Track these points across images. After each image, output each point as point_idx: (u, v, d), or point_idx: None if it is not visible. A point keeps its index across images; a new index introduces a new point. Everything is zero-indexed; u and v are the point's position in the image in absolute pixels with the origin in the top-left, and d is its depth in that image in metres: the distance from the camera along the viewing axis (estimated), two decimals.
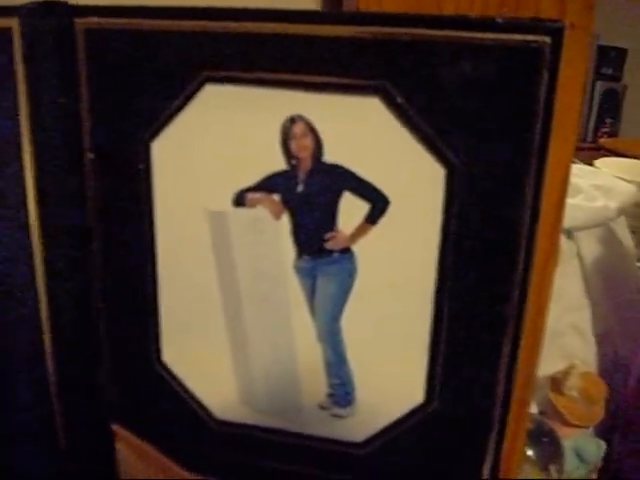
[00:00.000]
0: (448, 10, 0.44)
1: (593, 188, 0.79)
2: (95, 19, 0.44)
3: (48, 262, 0.49)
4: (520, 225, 0.42)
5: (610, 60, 2.64)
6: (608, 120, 2.65)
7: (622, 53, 2.66)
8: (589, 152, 1.79)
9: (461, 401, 0.47)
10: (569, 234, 0.77)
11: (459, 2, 0.44)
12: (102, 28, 0.44)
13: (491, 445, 0.47)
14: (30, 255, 0.48)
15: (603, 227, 0.80)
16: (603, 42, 2.53)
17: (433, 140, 0.42)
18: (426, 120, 0.41)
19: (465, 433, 0.48)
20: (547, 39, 0.38)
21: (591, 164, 1.07)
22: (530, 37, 0.38)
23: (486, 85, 0.40)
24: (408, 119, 0.41)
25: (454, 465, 0.49)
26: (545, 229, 0.44)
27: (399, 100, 0.41)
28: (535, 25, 0.39)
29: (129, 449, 0.53)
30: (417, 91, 0.41)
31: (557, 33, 0.38)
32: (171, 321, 0.50)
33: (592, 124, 2.63)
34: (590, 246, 0.79)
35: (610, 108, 2.65)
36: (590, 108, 2.63)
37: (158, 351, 0.51)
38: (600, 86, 2.63)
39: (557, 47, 0.39)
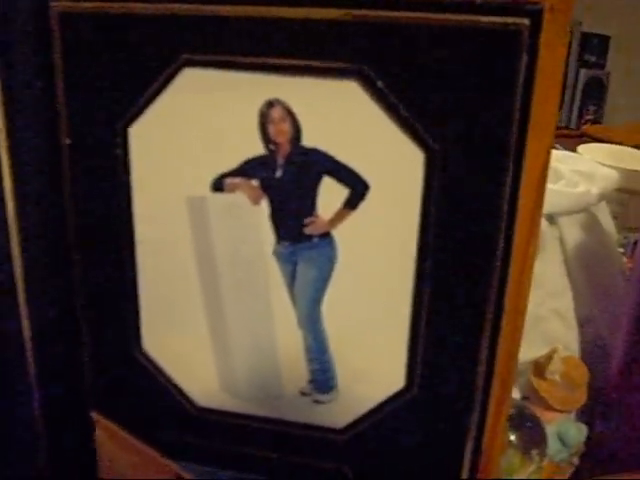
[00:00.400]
0: None
1: (575, 174, 0.79)
2: (70, 2, 0.44)
3: (25, 248, 0.48)
4: (499, 209, 0.42)
5: (593, 47, 2.64)
6: (591, 107, 2.66)
7: (605, 40, 2.66)
8: (572, 139, 1.79)
9: (442, 386, 0.47)
10: (551, 220, 0.77)
11: None
12: (77, 11, 0.44)
13: (472, 429, 0.48)
14: (7, 239, 0.48)
15: (585, 213, 0.80)
16: (586, 29, 2.54)
17: (412, 124, 0.41)
18: (405, 104, 0.41)
19: (446, 418, 0.48)
20: (526, 21, 0.38)
21: (574, 151, 1.07)
22: (509, 19, 0.38)
23: (465, 68, 0.40)
24: (387, 103, 0.41)
25: (436, 450, 0.49)
26: (525, 214, 0.44)
27: (378, 84, 0.41)
28: (514, 7, 0.38)
29: (109, 437, 0.52)
30: (396, 74, 0.41)
31: (536, 15, 0.38)
32: (151, 308, 0.50)
33: (575, 111, 2.64)
34: (572, 232, 0.79)
35: (593, 95, 2.66)
36: (573, 95, 2.64)
37: (138, 338, 0.51)
38: (583, 73, 2.64)
39: (536, 29, 0.38)
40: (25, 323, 0.50)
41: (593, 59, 2.66)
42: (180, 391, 0.51)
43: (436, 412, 0.48)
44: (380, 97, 0.41)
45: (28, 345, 0.50)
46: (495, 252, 0.43)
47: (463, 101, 0.40)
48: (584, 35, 2.56)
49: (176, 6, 0.42)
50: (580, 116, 2.63)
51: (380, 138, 0.42)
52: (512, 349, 0.50)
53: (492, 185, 0.42)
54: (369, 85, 0.41)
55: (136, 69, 0.44)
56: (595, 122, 2.62)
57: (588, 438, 0.71)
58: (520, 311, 0.49)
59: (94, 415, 0.53)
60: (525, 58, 0.39)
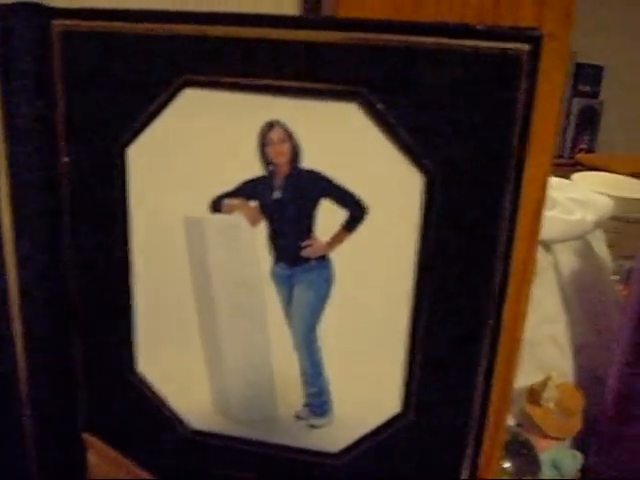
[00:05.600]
0: (427, 17, 0.44)
1: (570, 201, 0.80)
2: (72, 21, 0.44)
3: (20, 267, 0.48)
4: (497, 235, 0.42)
5: (587, 77, 2.67)
6: (585, 137, 2.68)
7: (599, 70, 2.69)
8: (566, 168, 1.80)
9: (438, 411, 0.47)
10: (546, 246, 0.77)
11: (438, 9, 0.44)
12: (79, 30, 0.44)
13: (468, 456, 0.47)
14: (2, 260, 0.48)
15: (580, 240, 0.80)
16: (580, 60, 2.57)
17: (411, 147, 0.41)
18: (405, 127, 0.41)
19: (442, 444, 0.48)
20: (526, 47, 0.38)
21: (569, 179, 1.08)
22: (509, 45, 0.39)
23: (464, 92, 0.40)
24: (387, 126, 0.41)
25: (431, 476, 0.48)
26: (523, 240, 0.44)
27: (378, 106, 0.41)
28: (514, 33, 0.39)
29: (101, 458, 0.52)
30: (396, 98, 0.41)
31: (536, 41, 0.39)
32: (145, 330, 0.50)
33: (569, 140, 2.66)
34: (567, 258, 0.79)
35: (587, 125, 2.69)
36: (567, 125, 2.66)
37: (132, 360, 0.50)
38: (577, 103, 2.67)
39: (535, 55, 0.39)
40: (18, 343, 0.50)
41: (587, 88, 2.69)
42: (174, 413, 0.51)
43: (432, 437, 0.47)
44: (379, 120, 0.41)
45: (21, 365, 0.50)
46: (493, 277, 0.43)
47: (462, 125, 0.41)
48: (578, 65, 2.59)
49: (177, 27, 0.42)
50: (573, 145, 2.65)
51: (379, 161, 0.42)
52: (508, 376, 0.49)
53: (491, 209, 0.42)
54: (369, 108, 0.41)
55: (136, 89, 0.44)
56: (588, 151, 2.64)
57: (583, 466, 0.71)
58: (517, 336, 0.49)
59: (86, 436, 0.52)
60: (524, 83, 0.39)
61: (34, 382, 0.51)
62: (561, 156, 2.59)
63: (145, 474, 0.51)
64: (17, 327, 0.49)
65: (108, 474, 0.52)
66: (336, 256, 0.45)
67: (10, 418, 0.51)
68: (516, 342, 0.49)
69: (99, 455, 0.52)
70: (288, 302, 0.47)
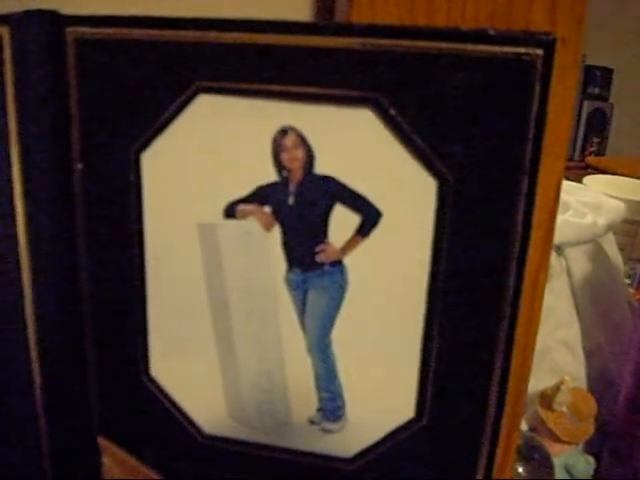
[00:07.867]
0: (440, 22, 0.44)
1: (582, 205, 0.80)
2: (86, 29, 0.44)
3: (34, 273, 0.48)
4: (512, 239, 0.42)
5: (597, 80, 2.66)
6: (595, 139, 2.67)
7: (609, 73, 2.69)
8: (576, 171, 1.80)
9: (452, 416, 0.47)
10: (558, 250, 0.77)
11: (450, 14, 0.44)
12: (93, 38, 0.44)
13: (482, 461, 0.47)
14: (17, 263, 0.48)
15: (592, 243, 0.80)
16: (590, 62, 2.56)
17: (425, 152, 0.41)
18: (418, 132, 0.41)
19: (455, 448, 0.47)
20: (539, 51, 0.38)
21: (579, 182, 1.07)
22: (522, 49, 0.38)
23: (478, 97, 0.40)
24: (400, 131, 0.41)
25: None
26: (536, 244, 0.44)
27: (391, 112, 0.41)
28: (527, 37, 0.39)
29: (116, 463, 0.52)
30: (409, 103, 0.41)
31: (549, 45, 0.38)
32: (160, 335, 0.50)
33: (579, 143, 2.65)
34: (579, 262, 0.79)
35: (597, 127, 2.68)
36: (577, 127, 2.65)
37: (146, 365, 0.50)
38: (587, 105, 2.65)
39: (549, 59, 0.39)
40: (33, 347, 0.50)
41: (596, 91, 2.68)
42: (187, 418, 0.51)
43: (446, 442, 0.47)
44: (394, 125, 0.41)
45: (35, 370, 0.50)
46: (507, 281, 0.43)
47: (476, 130, 0.41)
48: (587, 68, 2.59)
49: (190, 33, 0.43)
50: (584, 148, 2.65)
51: (393, 166, 0.42)
52: (522, 380, 0.49)
53: (504, 214, 0.42)
54: (382, 113, 0.41)
55: (150, 95, 0.44)
56: (598, 154, 2.63)
57: (595, 471, 0.71)
58: (530, 341, 0.49)
59: (101, 441, 0.52)
60: (538, 87, 0.39)
61: (48, 387, 0.51)
62: (571, 159, 2.58)
63: (160, 479, 0.51)
64: (31, 332, 0.49)
65: (123, 478, 0.52)
66: (350, 261, 0.45)
67: (25, 422, 0.52)
68: (529, 347, 0.49)
69: (114, 459, 0.52)
70: (302, 307, 0.47)
